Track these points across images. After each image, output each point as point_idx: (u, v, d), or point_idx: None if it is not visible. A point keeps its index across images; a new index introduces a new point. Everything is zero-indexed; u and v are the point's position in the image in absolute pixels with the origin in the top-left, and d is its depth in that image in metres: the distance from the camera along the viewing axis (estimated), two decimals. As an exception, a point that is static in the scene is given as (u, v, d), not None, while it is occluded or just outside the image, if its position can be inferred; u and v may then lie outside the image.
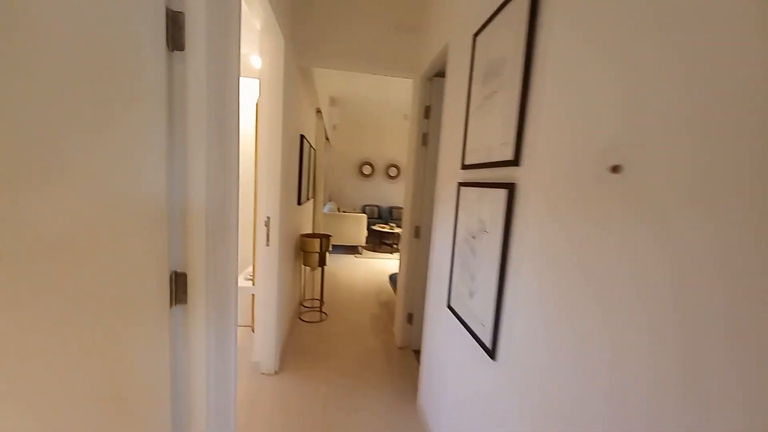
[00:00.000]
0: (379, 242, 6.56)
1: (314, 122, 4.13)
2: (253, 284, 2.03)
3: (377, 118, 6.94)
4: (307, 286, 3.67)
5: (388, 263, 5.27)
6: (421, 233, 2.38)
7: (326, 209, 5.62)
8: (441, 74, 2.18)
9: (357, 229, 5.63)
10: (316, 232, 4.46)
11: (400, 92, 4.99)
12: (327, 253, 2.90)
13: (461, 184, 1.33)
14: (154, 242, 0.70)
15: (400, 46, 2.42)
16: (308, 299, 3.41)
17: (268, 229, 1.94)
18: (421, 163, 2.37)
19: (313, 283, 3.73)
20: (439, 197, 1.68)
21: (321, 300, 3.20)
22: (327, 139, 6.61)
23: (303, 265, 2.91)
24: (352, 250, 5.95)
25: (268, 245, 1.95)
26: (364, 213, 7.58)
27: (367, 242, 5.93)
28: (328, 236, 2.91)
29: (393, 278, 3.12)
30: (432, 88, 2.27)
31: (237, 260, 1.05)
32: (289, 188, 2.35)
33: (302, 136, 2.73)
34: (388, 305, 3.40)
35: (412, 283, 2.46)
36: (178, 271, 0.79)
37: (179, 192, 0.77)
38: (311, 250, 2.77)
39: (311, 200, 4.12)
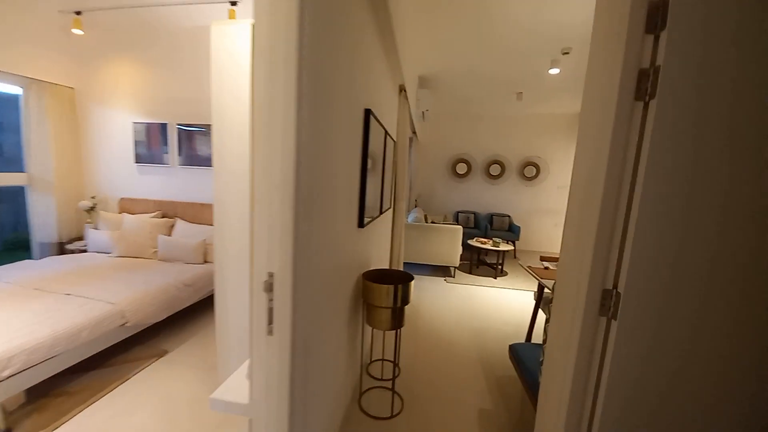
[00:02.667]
0: (477, 261, 5.13)
1: (396, 104, 3.03)
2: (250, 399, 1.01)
3: (477, 102, 5.50)
4: (375, 341, 2.58)
5: (492, 293, 3.83)
6: (619, 310, 1.01)
7: (410, 218, 4.51)
8: None
9: (450, 245, 4.34)
10: (392, 262, 3.36)
11: (512, 62, 3.52)
12: (405, 307, 1.74)
13: None
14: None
15: None
16: (376, 359, 2.32)
17: (271, 301, 0.88)
18: (625, 143, 0.99)
19: (384, 339, 2.62)
20: None
21: (394, 370, 2.06)
22: (414, 132, 5.51)
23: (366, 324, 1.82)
24: (442, 271, 4.68)
25: (271, 334, 0.89)
26: (458, 222, 6.23)
27: (460, 259, 4.58)
28: (408, 279, 1.76)
29: (519, 355, 1.77)
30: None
31: None
32: (337, 202, 1.28)
33: (368, 113, 1.63)
34: (509, 392, 2.05)
35: (592, 402, 1.10)
36: None
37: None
38: (378, 303, 1.65)
39: (390, 210, 3.04)
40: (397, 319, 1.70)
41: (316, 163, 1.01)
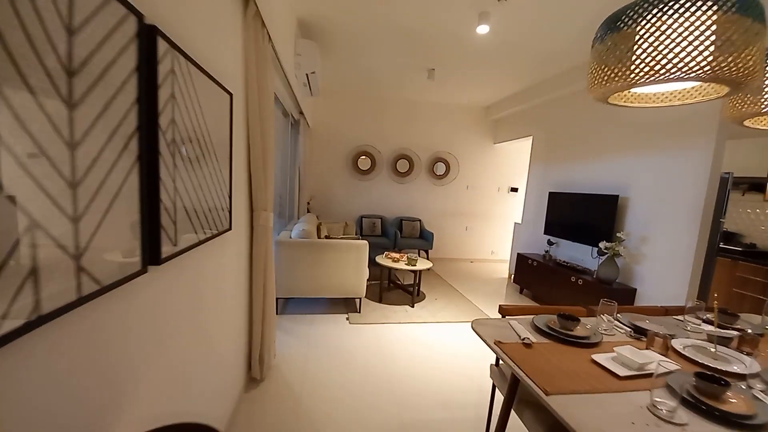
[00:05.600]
0: (387, 282, 4.03)
1: (237, 26, 1.56)
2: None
3: (382, 78, 4.39)
4: None
5: (412, 335, 2.72)
6: None
7: (295, 232, 3.06)
8: None
9: (354, 268, 3.07)
10: (252, 338, 1.86)
11: (428, 11, 2.45)
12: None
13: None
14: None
15: None
16: None
17: None
18: None
19: None
20: None
21: None
22: (302, 113, 4.06)
23: None
24: (344, 304, 3.39)
25: None
26: (362, 230, 5.05)
27: (368, 279, 3.36)
28: None
29: None
30: None
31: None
32: None
33: None
34: None
35: None
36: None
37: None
38: None
39: (229, 232, 1.57)
40: None
41: None
